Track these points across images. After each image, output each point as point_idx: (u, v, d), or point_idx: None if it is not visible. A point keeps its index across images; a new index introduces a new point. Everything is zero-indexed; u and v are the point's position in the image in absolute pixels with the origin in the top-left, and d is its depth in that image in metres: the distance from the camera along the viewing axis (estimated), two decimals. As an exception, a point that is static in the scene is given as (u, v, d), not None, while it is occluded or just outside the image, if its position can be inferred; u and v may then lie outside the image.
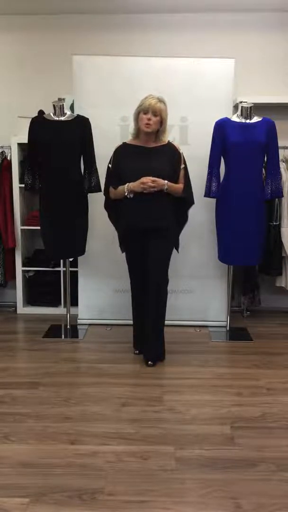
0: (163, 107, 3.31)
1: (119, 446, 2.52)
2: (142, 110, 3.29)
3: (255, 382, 3.24)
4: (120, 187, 3.37)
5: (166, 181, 3.29)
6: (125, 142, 3.49)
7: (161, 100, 3.32)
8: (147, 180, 3.25)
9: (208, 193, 3.78)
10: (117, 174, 3.40)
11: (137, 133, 3.41)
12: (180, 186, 3.40)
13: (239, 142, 3.66)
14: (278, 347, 3.87)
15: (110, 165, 3.47)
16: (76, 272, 4.26)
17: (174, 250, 3.52)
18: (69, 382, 3.25)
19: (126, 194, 3.32)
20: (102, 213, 3.62)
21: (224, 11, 4.40)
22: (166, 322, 3.57)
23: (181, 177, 3.42)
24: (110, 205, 3.55)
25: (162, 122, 3.33)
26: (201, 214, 3.97)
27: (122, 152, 3.42)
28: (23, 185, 4.07)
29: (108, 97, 3.97)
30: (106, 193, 3.53)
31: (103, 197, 3.58)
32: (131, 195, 3.32)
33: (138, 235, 3.38)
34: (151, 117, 3.27)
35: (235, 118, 3.75)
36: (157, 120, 3.30)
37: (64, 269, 4.32)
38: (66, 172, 3.74)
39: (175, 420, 2.78)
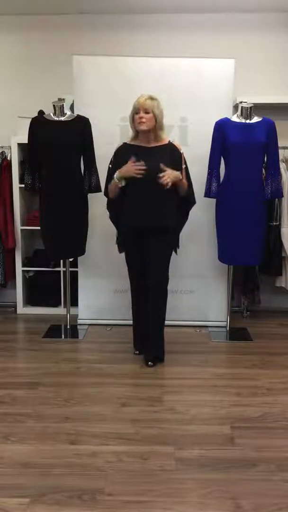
0: (154, 103, 3.29)
1: (119, 446, 2.52)
2: (134, 112, 3.30)
3: (255, 382, 3.24)
4: (112, 181, 3.35)
5: (178, 172, 3.28)
6: (126, 142, 3.46)
7: (151, 98, 3.30)
8: (133, 164, 3.25)
9: (208, 193, 3.78)
10: None
11: (136, 135, 3.40)
12: (185, 182, 3.39)
13: (239, 142, 3.66)
14: (278, 347, 3.87)
15: (110, 166, 3.44)
16: (76, 272, 4.26)
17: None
18: (69, 382, 3.25)
19: (118, 183, 3.30)
20: (102, 213, 3.62)
21: (224, 11, 4.40)
22: (166, 322, 3.57)
23: (183, 177, 3.38)
24: (112, 206, 3.52)
25: (156, 119, 3.30)
26: (201, 214, 3.96)
27: (123, 153, 3.39)
28: (23, 185, 4.08)
29: (108, 97, 3.97)
30: (107, 193, 3.50)
31: (103, 197, 3.56)
32: (123, 183, 3.30)
33: (139, 234, 3.37)
34: (143, 115, 3.26)
35: (235, 118, 3.74)
36: (150, 117, 3.27)
37: (64, 269, 4.32)
38: (66, 172, 3.74)
39: (175, 420, 2.78)
